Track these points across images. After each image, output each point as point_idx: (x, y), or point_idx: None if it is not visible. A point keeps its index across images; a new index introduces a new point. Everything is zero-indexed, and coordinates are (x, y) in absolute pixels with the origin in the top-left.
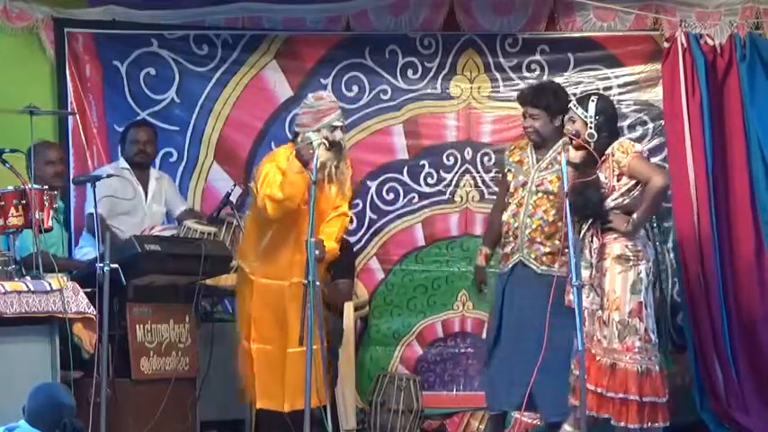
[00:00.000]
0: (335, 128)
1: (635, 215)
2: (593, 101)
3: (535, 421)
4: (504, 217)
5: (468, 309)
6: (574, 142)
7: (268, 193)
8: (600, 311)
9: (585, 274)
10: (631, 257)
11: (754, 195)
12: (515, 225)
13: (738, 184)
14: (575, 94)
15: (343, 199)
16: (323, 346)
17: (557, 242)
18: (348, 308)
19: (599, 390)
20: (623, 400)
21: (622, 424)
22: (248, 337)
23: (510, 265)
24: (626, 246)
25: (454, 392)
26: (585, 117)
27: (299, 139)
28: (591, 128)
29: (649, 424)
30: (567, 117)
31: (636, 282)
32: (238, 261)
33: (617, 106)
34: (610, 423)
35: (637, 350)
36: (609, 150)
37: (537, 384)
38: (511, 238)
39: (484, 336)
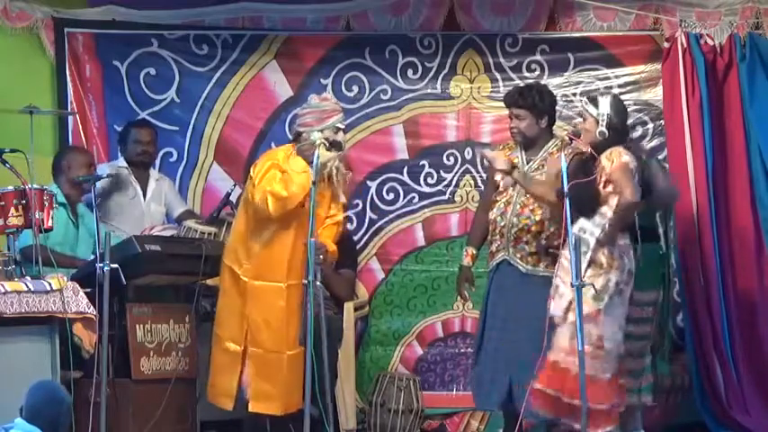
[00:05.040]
0: (338, 129)
1: (605, 226)
2: (605, 99)
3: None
4: (492, 215)
5: (468, 309)
6: (573, 143)
7: (270, 190)
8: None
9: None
10: (604, 264)
11: (754, 195)
12: (502, 223)
13: (738, 183)
14: (574, 94)
15: (337, 206)
16: (322, 347)
17: (543, 242)
18: (348, 308)
19: (550, 391)
20: (571, 405)
21: (577, 426)
22: (238, 340)
23: (495, 263)
24: (602, 252)
25: (454, 392)
26: (597, 115)
27: (302, 138)
28: (602, 125)
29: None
30: (577, 113)
31: (602, 289)
32: (225, 262)
33: None
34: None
35: (587, 356)
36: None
37: (518, 384)
38: (497, 237)
39: None
